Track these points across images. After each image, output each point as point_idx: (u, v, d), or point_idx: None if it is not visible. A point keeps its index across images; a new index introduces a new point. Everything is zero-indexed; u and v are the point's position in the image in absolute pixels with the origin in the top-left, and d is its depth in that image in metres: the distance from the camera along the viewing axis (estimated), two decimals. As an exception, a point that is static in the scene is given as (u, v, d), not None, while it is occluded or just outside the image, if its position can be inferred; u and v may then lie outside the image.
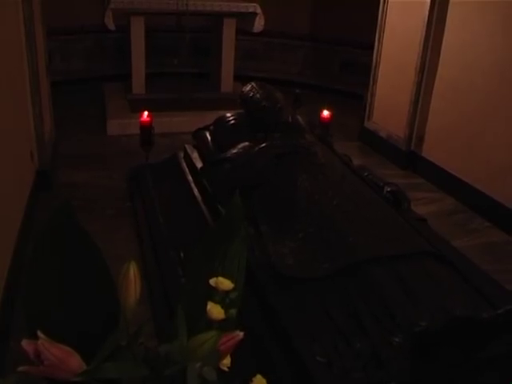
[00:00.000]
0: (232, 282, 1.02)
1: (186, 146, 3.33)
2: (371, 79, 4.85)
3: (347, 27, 6.37)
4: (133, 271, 0.98)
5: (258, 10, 5.41)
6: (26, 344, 0.87)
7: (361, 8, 6.01)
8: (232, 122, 3.03)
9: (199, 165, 3.01)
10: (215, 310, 0.97)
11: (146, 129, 3.43)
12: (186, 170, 3.14)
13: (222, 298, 1.00)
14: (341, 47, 6.60)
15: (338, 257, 1.94)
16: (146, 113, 3.46)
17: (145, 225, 3.00)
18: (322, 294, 1.85)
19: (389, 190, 2.62)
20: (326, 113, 3.63)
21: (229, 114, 3.13)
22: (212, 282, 1.01)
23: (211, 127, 3.21)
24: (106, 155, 4.31)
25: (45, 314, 0.97)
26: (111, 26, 5.05)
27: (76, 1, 6.05)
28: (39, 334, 0.87)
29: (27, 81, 3.32)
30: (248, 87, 2.99)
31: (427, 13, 4.07)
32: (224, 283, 1.01)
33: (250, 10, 5.41)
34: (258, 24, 5.46)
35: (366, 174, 2.80)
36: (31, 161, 3.38)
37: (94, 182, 3.77)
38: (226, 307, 0.99)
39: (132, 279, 0.97)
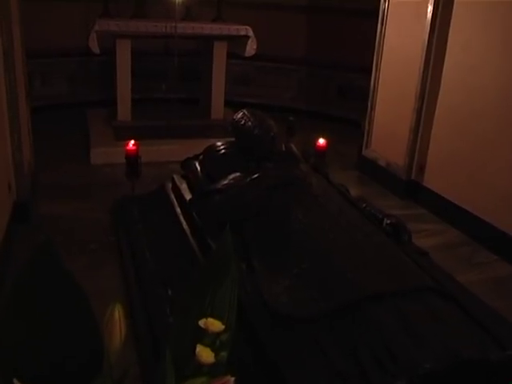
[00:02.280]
0: (223, 323, 1.03)
1: (175, 176, 3.35)
2: (369, 105, 4.91)
3: (344, 50, 6.47)
4: (118, 313, 0.99)
5: (250, 33, 5.48)
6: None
7: (358, 31, 6.12)
8: (222, 151, 3.06)
9: (188, 196, 3.02)
10: (205, 353, 0.98)
11: (132, 158, 3.46)
12: (175, 201, 3.15)
13: (212, 340, 1.01)
14: (337, 71, 6.70)
15: (336, 294, 1.95)
16: (132, 141, 3.50)
17: (130, 260, 3.00)
18: (319, 333, 1.85)
19: (388, 222, 2.65)
20: (321, 141, 3.67)
21: (219, 143, 3.16)
22: (201, 322, 1.02)
23: (201, 156, 3.24)
24: (89, 186, 4.31)
25: (21, 360, 0.97)
26: (96, 49, 5.10)
27: (59, 22, 6.13)
28: (15, 382, 0.87)
29: (5, 106, 3.31)
30: (239, 114, 3.03)
31: (427, 35, 4.13)
32: (214, 324, 1.01)
33: (242, 33, 5.49)
34: (251, 47, 5.54)
35: (364, 205, 2.83)
36: (9, 192, 3.38)
37: (76, 215, 3.76)
38: (216, 350, 0.99)
39: (117, 322, 0.98)
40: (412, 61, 4.32)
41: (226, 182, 2.70)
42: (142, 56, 6.07)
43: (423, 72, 4.21)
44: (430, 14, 4.11)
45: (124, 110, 5.48)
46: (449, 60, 4.10)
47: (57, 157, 4.85)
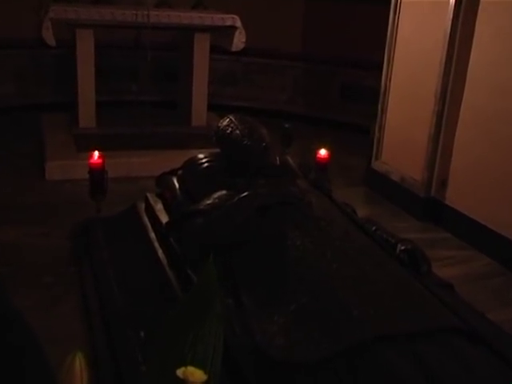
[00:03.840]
0: (205, 372, 1.03)
1: (148, 194, 3.37)
2: (379, 108, 4.96)
3: (349, 43, 6.53)
4: (79, 363, 0.98)
5: (238, 24, 5.52)
6: None
7: (366, 19, 6.18)
8: (205, 164, 3.08)
9: (164, 219, 3.04)
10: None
11: (96, 173, 3.47)
12: (148, 225, 3.17)
13: (192, 392, 1.01)
14: (341, 68, 6.75)
15: (341, 335, 1.96)
16: (96, 152, 3.51)
17: (95, 296, 3.00)
18: (321, 381, 1.86)
19: (403, 248, 2.67)
20: (322, 152, 3.70)
21: (201, 155, 3.18)
22: (180, 372, 1.02)
23: (179, 171, 3.26)
24: (44, 206, 4.31)
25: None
26: (51, 40, 5.08)
27: (4, 7, 6.12)
28: None
29: None
30: (225, 121, 3.06)
31: (449, 24, 4.17)
32: (195, 374, 1.02)
33: (228, 24, 5.54)
34: (238, 40, 5.58)
35: (374, 228, 2.85)
36: None
37: (27, 242, 3.76)
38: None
39: (78, 374, 0.97)
40: (431, 54, 4.36)
41: (209, 201, 2.72)
42: (107, 50, 6.11)
43: (445, 68, 4.25)
44: (453, -1, 4.13)
45: (87, 115, 5.51)
46: (475, 53, 4.12)
47: (4, 171, 4.85)
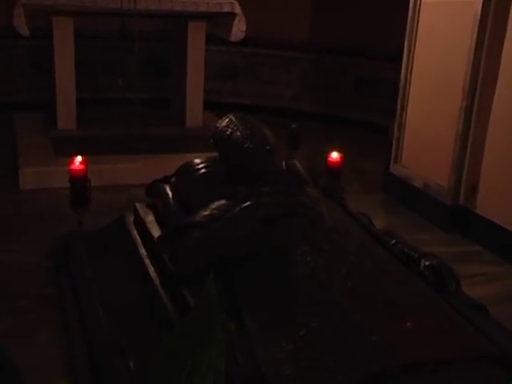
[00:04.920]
0: (204, 405, 1.05)
1: (138, 205, 3.39)
2: (399, 104, 4.97)
3: (363, 31, 6.53)
4: None
5: (237, 10, 5.54)
6: None
7: (383, 4, 6.19)
8: (202, 171, 3.10)
9: (156, 232, 3.05)
10: None
11: (78, 181, 3.49)
12: (138, 239, 3.18)
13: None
14: (354, 59, 6.76)
15: (358, 363, 1.97)
16: (78, 158, 3.52)
17: (77, 321, 3.00)
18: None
19: (427, 264, 2.67)
20: (334, 155, 3.71)
21: (197, 160, 3.20)
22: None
23: (173, 179, 3.28)
24: (18, 219, 4.33)
25: None
26: (23, 29, 5.08)
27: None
28: None
29: None
30: (224, 121, 3.07)
31: (480, 7, 4.15)
32: (193, 407, 1.03)
33: (226, 10, 5.56)
34: (237, 29, 5.59)
35: (393, 241, 2.85)
36: None
37: None
38: None
39: None
40: (459, 41, 4.35)
41: (207, 212, 2.73)
42: (89, 41, 6.13)
43: (474, 56, 4.24)
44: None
45: (66, 115, 5.52)
46: (511, 40, 4.09)
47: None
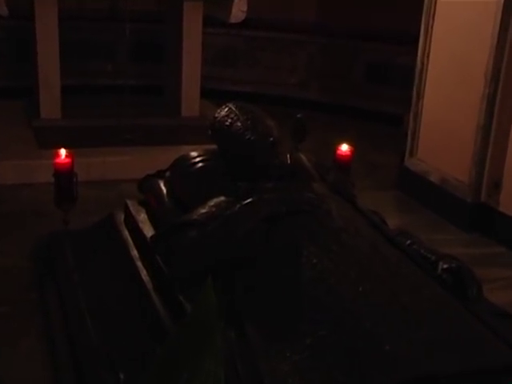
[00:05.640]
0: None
1: (129, 202, 3.39)
2: (415, 92, 4.96)
3: (376, 12, 6.51)
4: None
5: (237, -12, 5.54)
6: None
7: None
8: (199, 165, 3.10)
9: (149, 232, 3.05)
10: None
11: (63, 175, 3.48)
12: (129, 240, 3.19)
13: None
14: (366, 43, 6.73)
15: (369, 375, 1.97)
16: (63, 150, 3.52)
17: (62, 329, 3.01)
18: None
19: (446, 267, 2.67)
20: (344, 148, 3.71)
21: (194, 153, 3.20)
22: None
23: (167, 173, 3.29)
24: (-3, 218, 4.34)
25: None
26: (2, 8, 5.05)
27: None
28: None
29: None
30: (223, 111, 3.08)
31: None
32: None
33: (225, -12, 5.55)
34: (238, 9, 5.58)
35: (408, 242, 2.85)
36: None
37: (-23, 262, 3.78)
38: None
39: None
40: (481, 22, 4.33)
41: (204, 210, 2.73)
42: (75, 22, 6.11)
43: (498, 39, 4.22)
44: None
45: (50, 104, 5.51)
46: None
47: None
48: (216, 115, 3.11)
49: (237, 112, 3.03)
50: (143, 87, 5.93)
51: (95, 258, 3.33)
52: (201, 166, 3.11)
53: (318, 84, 7.02)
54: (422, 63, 4.89)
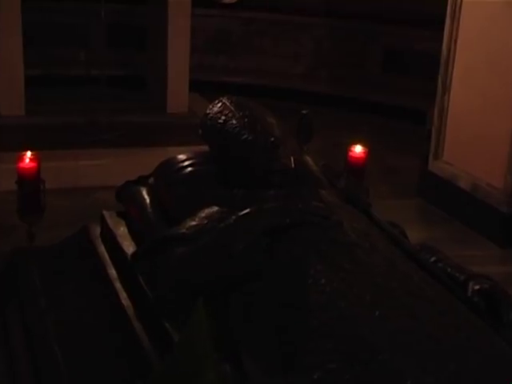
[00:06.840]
0: None
1: (106, 213, 3.39)
2: (440, 84, 4.97)
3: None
4: None
5: (232, -37, 5.56)
6: None
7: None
8: (188, 169, 3.11)
9: (130, 248, 3.06)
10: None
11: (28, 182, 3.49)
12: (106, 257, 3.19)
13: None
14: (383, 27, 6.75)
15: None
16: (28, 152, 3.53)
17: (26, 364, 3.01)
18: None
19: (478, 288, 2.67)
20: (357, 149, 3.72)
21: (182, 156, 3.21)
22: None
23: (151, 179, 3.29)
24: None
25: None
26: None
27: None
28: None
29: None
30: (217, 106, 3.09)
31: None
32: None
33: (218, -37, 5.58)
34: (233, -13, 5.62)
35: (433, 258, 2.86)
36: None
37: None
38: None
39: None
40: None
41: (194, 222, 2.74)
42: (41, 3, 6.12)
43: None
44: None
45: (12, 98, 5.52)
46: None
47: None
48: (208, 111, 3.12)
49: (232, 108, 3.04)
50: (122, 78, 5.94)
51: (66, 279, 3.33)
52: (190, 171, 3.11)
53: (326, 74, 7.03)
54: (449, 50, 4.90)
